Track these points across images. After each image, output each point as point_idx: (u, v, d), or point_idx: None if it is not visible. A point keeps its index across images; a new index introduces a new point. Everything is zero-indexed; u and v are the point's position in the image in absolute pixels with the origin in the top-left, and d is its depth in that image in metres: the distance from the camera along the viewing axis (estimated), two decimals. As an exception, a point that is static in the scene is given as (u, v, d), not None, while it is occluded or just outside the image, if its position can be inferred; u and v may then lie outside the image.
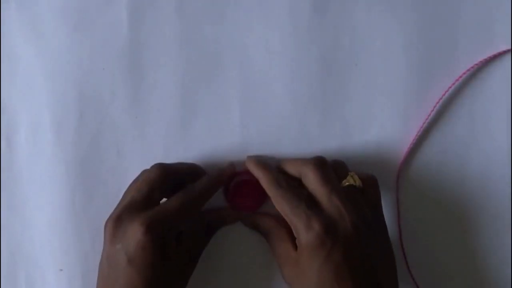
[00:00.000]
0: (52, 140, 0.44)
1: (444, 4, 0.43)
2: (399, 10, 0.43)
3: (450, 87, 0.43)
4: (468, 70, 0.43)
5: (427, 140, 0.43)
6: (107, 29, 0.43)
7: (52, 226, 0.44)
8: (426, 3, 0.43)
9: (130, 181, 0.42)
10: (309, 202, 0.38)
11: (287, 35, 0.43)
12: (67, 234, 0.44)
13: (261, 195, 0.40)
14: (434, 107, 0.43)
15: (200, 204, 0.40)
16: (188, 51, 0.43)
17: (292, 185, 0.39)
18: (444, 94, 0.43)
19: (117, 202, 0.41)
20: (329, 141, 0.43)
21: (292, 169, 0.40)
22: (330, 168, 0.40)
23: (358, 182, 0.39)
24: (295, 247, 0.38)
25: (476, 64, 0.43)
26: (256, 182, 0.40)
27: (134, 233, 0.36)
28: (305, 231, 0.36)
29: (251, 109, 0.43)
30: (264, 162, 0.41)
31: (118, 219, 0.37)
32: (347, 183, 0.39)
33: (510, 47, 0.43)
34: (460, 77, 0.43)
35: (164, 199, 0.40)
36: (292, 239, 0.39)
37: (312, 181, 0.38)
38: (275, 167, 0.41)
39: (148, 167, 0.42)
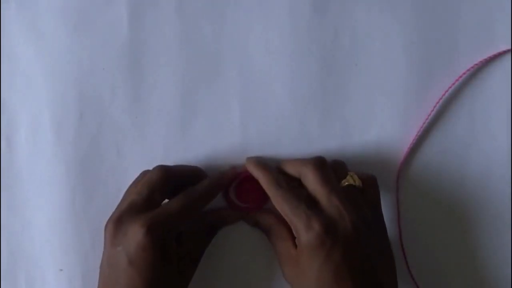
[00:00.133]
0: (52, 140, 0.44)
1: (444, 4, 0.43)
2: (399, 10, 0.43)
3: (450, 87, 0.43)
4: (468, 70, 0.43)
5: (427, 140, 0.43)
6: (107, 29, 0.43)
7: (52, 226, 0.44)
8: (426, 3, 0.43)
9: (130, 181, 0.42)
10: (308, 202, 0.38)
11: (287, 35, 0.43)
12: (67, 234, 0.44)
13: (263, 196, 0.40)
14: (434, 107, 0.43)
15: (201, 206, 0.40)
16: (188, 51, 0.43)
17: (292, 185, 0.39)
18: (444, 94, 0.43)
19: (117, 202, 0.41)
20: (329, 141, 0.43)
21: (291, 170, 0.40)
22: (330, 168, 0.40)
23: (357, 182, 0.39)
24: (296, 246, 0.38)
25: (476, 64, 0.43)
26: (257, 183, 0.40)
27: (135, 234, 0.36)
28: (305, 231, 0.36)
29: (251, 109, 0.43)
30: (263, 162, 0.41)
31: (119, 221, 0.37)
32: (346, 183, 0.39)
33: (510, 47, 0.43)
34: (460, 77, 0.43)
35: (166, 200, 0.39)
36: (293, 237, 0.39)
37: (312, 181, 0.38)
38: (274, 167, 0.41)
39: (148, 167, 0.42)
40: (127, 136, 0.43)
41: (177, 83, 0.43)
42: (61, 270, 0.44)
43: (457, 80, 0.43)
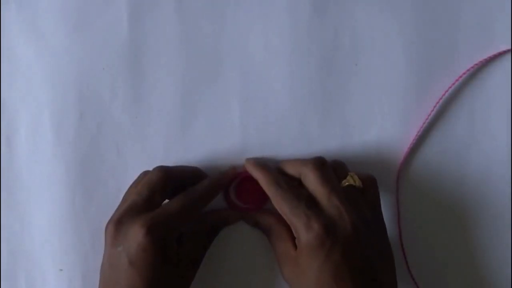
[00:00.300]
0: (52, 140, 0.44)
1: (444, 4, 0.43)
2: (399, 10, 0.43)
3: (450, 87, 0.43)
4: (468, 70, 0.43)
5: (427, 140, 0.43)
6: (107, 29, 0.43)
7: (52, 226, 0.44)
8: (426, 3, 0.43)
9: (130, 181, 0.42)
10: (308, 202, 0.38)
11: (287, 35, 0.43)
12: (67, 234, 0.44)
13: (263, 196, 0.40)
14: (434, 107, 0.43)
15: (201, 206, 0.40)
16: (188, 51, 0.43)
17: (292, 185, 0.39)
18: (444, 94, 0.43)
19: (117, 202, 0.41)
20: (329, 141, 0.43)
21: (291, 170, 0.40)
22: (330, 168, 0.40)
23: (357, 182, 0.39)
24: (295, 246, 0.38)
25: (476, 64, 0.43)
26: (257, 183, 0.40)
27: (135, 235, 0.36)
28: (305, 231, 0.36)
29: (251, 109, 0.43)
30: (263, 163, 0.41)
31: (119, 222, 0.37)
32: (346, 183, 0.39)
33: (510, 47, 0.43)
34: (460, 77, 0.43)
35: (166, 201, 0.39)
36: (293, 238, 0.39)
37: (312, 181, 0.38)
38: (274, 168, 0.41)
39: (148, 167, 0.42)
40: (127, 136, 0.43)
41: (177, 83, 0.43)
42: (61, 270, 0.44)
43: (457, 80, 0.43)
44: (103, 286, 0.38)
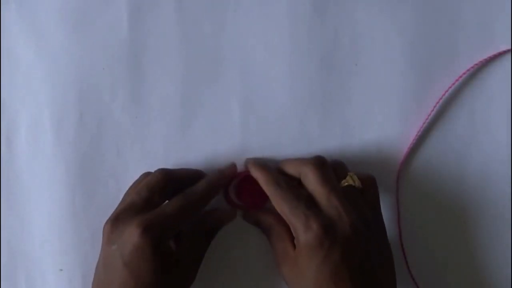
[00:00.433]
0: (52, 140, 0.44)
1: (444, 4, 0.43)
2: (399, 10, 0.43)
3: (450, 87, 0.43)
4: (468, 70, 0.43)
5: (427, 140, 0.43)
6: (107, 29, 0.43)
7: (52, 226, 0.44)
8: (426, 3, 0.43)
9: (130, 182, 0.42)
10: (308, 202, 0.38)
11: (287, 35, 0.43)
12: (67, 234, 0.44)
13: (263, 195, 0.40)
14: (434, 107, 0.43)
15: (201, 207, 0.40)
16: (188, 51, 0.43)
17: (291, 185, 0.39)
18: (444, 94, 0.43)
19: (117, 202, 0.41)
20: (329, 141, 0.43)
21: (291, 169, 0.40)
22: (330, 168, 0.40)
23: (357, 183, 0.39)
24: (295, 246, 0.38)
25: (476, 64, 0.43)
26: (257, 182, 0.40)
27: (131, 235, 0.36)
28: (304, 232, 0.36)
29: (251, 110, 0.43)
30: (263, 163, 0.41)
31: (116, 219, 0.37)
32: (346, 183, 0.39)
33: (510, 47, 0.43)
34: (460, 77, 0.43)
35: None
36: (292, 238, 0.39)
37: (311, 181, 0.38)
38: (274, 167, 0.41)
39: (148, 167, 0.42)
40: (127, 136, 0.43)
41: (177, 83, 0.43)
42: (61, 270, 0.44)
43: (457, 80, 0.43)
44: (97, 286, 0.38)
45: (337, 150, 0.43)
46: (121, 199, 0.41)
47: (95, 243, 0.43)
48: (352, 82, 0.43)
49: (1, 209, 0.44)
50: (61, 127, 0.44)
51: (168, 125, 0.43)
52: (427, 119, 0.43)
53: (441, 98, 0.43)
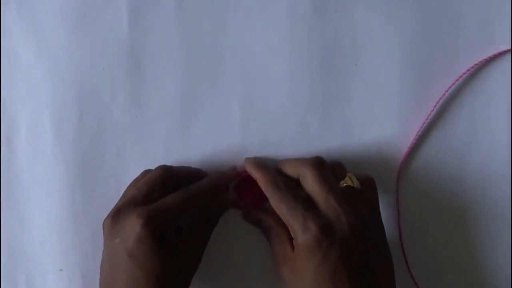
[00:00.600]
0: (52, 140, 0.44)
1: (444, 4, 0.43)
2: (399, 10, 0.43)
3: (450, 87, 0.43)
4: (468, 70, 0.43)
5: (427, 140, 0.43)
6: (107, 29, 0.43)
7: (52, 226, 0.44)
8: (426, 3, 0.43)
9: (130, 181, 0.42)
10: (306, 203, 0.38)
11: (287, 35, 0.43)
12: (67, 234, 0.44)
13: (263, 195, 0.40)
14: (434, 107, 0.43)
15: (200, 204, 0.40)
16: (188, 51, 0.43)
17: (290, 186, 0.39)
18: (444, 94, 0.43)
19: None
20: (329, 141, 0.43)
21: (290, 170, 0.40)
22: (328, 168, 0.40)
23: (356, 183, 0.39)
24: (293, 247, 0.38)
25: (476, 64, 0.43)
26: (257, 183, 0.40)
27: (133, 226, 0.36)
28: (302, 232, 0.36)
29: (251, 110, 0.43)
30: (262, 163, 0.41)
31: (116, 214, 0.37)
32: (345, 184, 0.39)
33: (510, 47, 0.43)
34: (460, 77, 0.43)
35: None
36: (291, 239, 0.39)
37: (310, 182, 0.38)
38: (273, 168, 0.41)
39: (148, 167, 0.42)
40: (127, 136, 0.43)
41: (177, 83, 0.43)
42: (61, 270, 0.44)
43: (457, 80, 0.43)
44: (104, 281, 0.38)
45: (337, 150, 0.43)
46: (121, 196, 0.41)
47: (95, 243, 0.43)
48: (352, 82, 0.43)
49: (1, 209, 0.44)
50: (61, 127, 0.44)
51: (168, 125, 0.43)
52: (427, 119, 0.43)
53: (441, 98, 0.43)
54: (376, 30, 0.43)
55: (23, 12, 0.43)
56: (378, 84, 0.43)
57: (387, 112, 0.43)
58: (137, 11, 0.43)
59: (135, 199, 0.38)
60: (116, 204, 0.39)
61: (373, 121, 0.43)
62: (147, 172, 0.41)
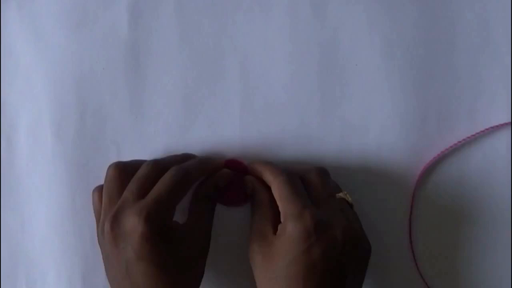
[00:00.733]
0: (52, 140, 0.44)
1: (444, 4, 0.43)
2: (399, 10, 0.43)
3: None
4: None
5: (427, 140, 0.43)
6: (107, 29, 0.43)
7: (52, 226, 0.44)
8: (426, 3, 0.43)
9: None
10: (308, 200, 0.38)
11: (287, 35, 0.43)
12: (67, 234, 0.44)
13: (246, 193, 0.41)
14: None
15: (191, 181, 0.39)
16: (188, 51, 0.43)
17: (296, 177, 0.39)
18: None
19: (117, 202, 0.41)
20: (329, 141, 0.43)
21: (294, 171, 0.41)
22: (330, 178, 0.41)
23: (350, 200, 0.40)
24: (275, 230, 0.38)
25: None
26: (241, 186, 0.41)
27: (135, 226, 0.36)
28: (295, 219, 0.36)
29: (251, 109, 0.43)
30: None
31: (115, 219, 0.37)
32: (340, 196, 0.40)
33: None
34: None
35: None
36: (275, 222, 0.38)
37: (314, 182, 0.39)
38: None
39: (148, 167, 0.42)
40: (127, 136, 0.43)
41: (177, 83, 0.43)
42: (61, 270, 0.44)
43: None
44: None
45: (337, 151, 0.43)
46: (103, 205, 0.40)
47: (95, 243, 0.43)
48: (352, 82, 0.43)
49: (1, 209, 0.44)
50: (61, 127, 0.44)
51: (168, 125, 0.43)
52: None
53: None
54: (376, 30, 0.43)
55: (23, 12, 0.43)
56: (378, 84, 0.43)
57: (387, 112, 0.43)
58: (137, 11, 0.43)
59: (128, 200, 0.37)
60: (110, 212, 0.38)
61: (373, 121, 0.43)
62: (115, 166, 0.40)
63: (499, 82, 0.43)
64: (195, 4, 0.43)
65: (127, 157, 0.43)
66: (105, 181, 0.40)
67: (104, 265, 0.39)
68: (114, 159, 0.43)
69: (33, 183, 0.44)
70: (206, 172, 0.41)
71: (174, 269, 0.37)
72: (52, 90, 0.44)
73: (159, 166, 0.39)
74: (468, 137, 0.43)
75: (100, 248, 0.39)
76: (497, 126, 0.43)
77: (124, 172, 0.39)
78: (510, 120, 0.43)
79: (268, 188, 0.40)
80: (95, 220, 0.42)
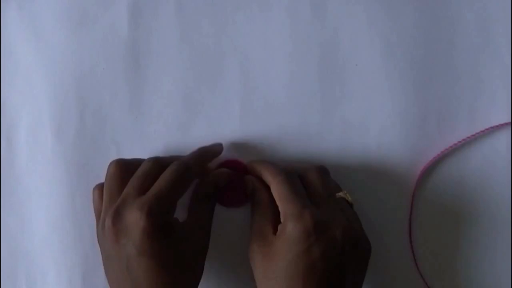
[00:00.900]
0: (52, 140, 0.44)
1: (444, 4, 0.43)
2: (399, 10, 0.43)
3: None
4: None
5: (428, 140, 0.43)
6: (107, 29, 0.43)
7: (52, 226, 0.44)
8: (426, 4, 0.43)
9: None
10: (307, 200, 0.38)
11: (287, 35, 0.43)
12: (67, 234, 0.44)
13: (245, 193, 0.41)
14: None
15: (192, 175, 0.39)
16: (188, 51, 0.43)
17: (296, 177, 0.39)
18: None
19: (117, 202, 0.41)
20: (329, 141, 0.43)
21: (293, 170, 0.41)
22: (330, 178, 0.41)
23: (350, 199, 0.40)
24: (275, 230, 0.38)
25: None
26: (240, 187, 0.41)
27: (136, 221, 0.36)
28: (295, 219, 0.36)
29: (251, 109, 0.43)
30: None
31: (117, 214, 0.37)
32: (340, 196, 0.40)
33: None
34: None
35: None
36: (275, 222, 0.38)
37: (315, 181, 0.39)
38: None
39: (148, 167, 0.42)
40: (127, 136, 0.43)
41: (177, 83, 0.43)
42: (61, 270, 0.44)
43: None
44: (117, 287, 0.37)
45: (337, 150, 0.43)
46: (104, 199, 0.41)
47: (95, 243, 0.43)
48: (352, 82, 0.43)
49: (1, 209, 0.44)
50: (61, 127, 0.44)
51: (168, 125, 0.43)
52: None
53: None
54: (376, 30, 0.43)
55: (23, 12, 0.43)
56: (378, 84, 0.43)
57: (387, 112, 0.43)
58: (137, 11, 0.43)
59: (130, 196, 0.37)
60: (111, 207, 0.38)
61: (373, 121, 0.43)
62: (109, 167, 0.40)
63: (499, 82, 0.43)
64: (195, 4, 0.43)
65: (127, 157, 0.43)
66: (106, 178, 0.40)
67: (104, 263, 0.39)
68: (114, 159, 0.43)
69: (33, 183, 0.44)
70: (207, 161, 0.41)
71: (174, 267, 0.37)
72: (52, 90, 0.44)
73: (160, 163, 0.39)
74: (468, 137, 0.43)
75: (100, 246, 0.39)
76: (497, 126, 0.43)
77: (125, 169, 0.39)
78: (510, 120, 0.43)
79: (268, 188, 0.40)
80: (95, 219, 0.42)
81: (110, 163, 0.40)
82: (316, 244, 0.36)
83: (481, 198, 0.43)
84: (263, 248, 0.38)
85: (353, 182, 0.42)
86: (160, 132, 0.43)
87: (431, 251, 0.43)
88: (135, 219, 0.36)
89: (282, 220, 0.38)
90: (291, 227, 0.36)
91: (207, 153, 0.42)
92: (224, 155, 0.43)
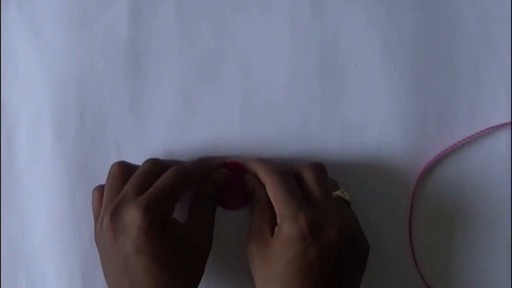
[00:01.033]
0: (52, 140, 0.44)
1: (444, 4, 0.43)
2: (399, 10, 0.43)
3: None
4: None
5: (428, 140, 0.43)
6: (107, 29, 0.43)
7: (52, 226, 0.44)
8: (427, 4, 0.43)
9: (130, 181, 0.42)
10: (303, 200, 0.38)
11: (287, 35, 0.43)
12: (67, 234, 0.44)
13: (246, 195, 0.41)
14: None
15: (191, 180, 0.39)
16: (188, 51, 0.43)
17: (291, 177, 0.39)
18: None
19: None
20: (329, 141, 0.43)
21: (288, 168, 0.41)
22: (327, 175, 0.40)
23: (347, 197, 0.40)
24: (272, 232, 0.38)
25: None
26: (240, 187, 0.41)
27: (134, 219, 0.36)
28: (291, 221, 0.36)
29: (251, 109, 0.43)
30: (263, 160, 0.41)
31: (115, 213, 0.37)
32: (336, 195, 0.40)
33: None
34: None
35: None
36: (272, 223, 0.38)
37: (310, 180, 0.39)
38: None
39: (148, 167, 0.42)
40: (127, 136, 0.44)
41: (177, 83, 0.43)
42: (61, 270, 0.44)
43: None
44: (114, 285, 0.37)
45: (337, 150, 0.43)
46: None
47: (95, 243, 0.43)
48: (352, 82, 0.43)
49: (1, 209, 0.44)
50: (61, 127, 0.44)
51: (168, 125, 0.43)
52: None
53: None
54: (376, 30, 0.43)
55: (23, 12, 0.43)
56: (378, 84, 0.43)
57: (387, 112, 0.43)
58: (137, 11, 0.43)
59: (128, 194, 0.37)
60: (110, 206, 0.38)
61: (373, 121, 0.43)
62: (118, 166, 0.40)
63: (499, 82, 0.43)
64: (195, 4, 0.43)
65: (127, 157, 0.43)
66: (107, 178, 0.40)
67: (102, 263, 0.39)
68: (114, 159, 0.43)
69: (33, 183, 0.44)
70: (207, 171, 0.41)
71: (172, 266, 0.37)
72: (52, 90, 0.44)
73: (160, 164, 0.40)
74: (468, 137, 0.43)
75: (97, 246, 0.39)
76: (497, 126, 0.43)
77: (126, 171, 0.40)
78: (510, 120, 0.43)
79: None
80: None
81: (113, 164, 0.40)
82: (312, 245, 0.36)
83: (481, 198, 0.43)
84: (261, 250, 0.38)
85: (353, 182, 0.42)
86: (160, 132, 0.43)
87: (431, 251, 0.43)
88: (133, 217, 0.36)
89: (278, 221, 0.38)
90: (286, 229, 0.36)
91: (208, 162, 0.42)
92: (224, 154, 0.43)
